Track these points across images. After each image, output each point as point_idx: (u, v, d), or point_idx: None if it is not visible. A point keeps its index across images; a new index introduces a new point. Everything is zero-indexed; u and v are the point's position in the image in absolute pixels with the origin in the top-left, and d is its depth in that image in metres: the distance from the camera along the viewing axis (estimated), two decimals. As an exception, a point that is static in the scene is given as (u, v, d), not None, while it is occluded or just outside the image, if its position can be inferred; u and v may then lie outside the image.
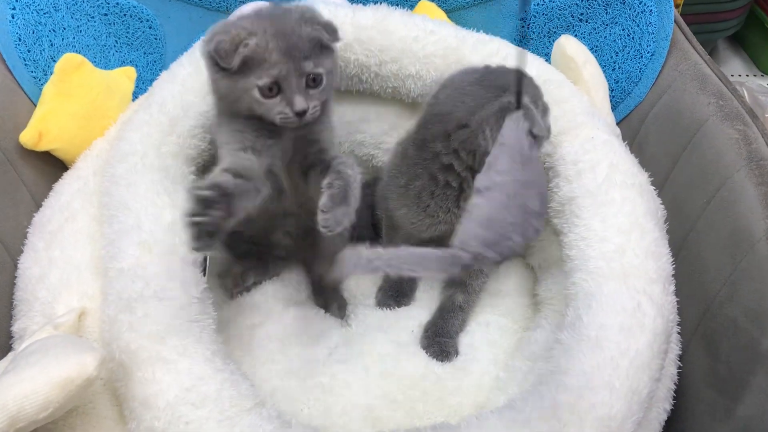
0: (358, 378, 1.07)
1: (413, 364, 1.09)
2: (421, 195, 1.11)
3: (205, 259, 1.04)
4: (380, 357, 1.10)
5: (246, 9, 1.32)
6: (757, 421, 0.94)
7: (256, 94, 0.92)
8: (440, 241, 1.15)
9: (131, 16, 1.38)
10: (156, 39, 1.42)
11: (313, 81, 0.95)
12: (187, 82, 1.17)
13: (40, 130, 1.17)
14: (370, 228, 1.35)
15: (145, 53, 1.42)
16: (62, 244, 1.07)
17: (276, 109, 0.93)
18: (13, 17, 1.22)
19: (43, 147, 1.18)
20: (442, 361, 1.11)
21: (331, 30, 0.97)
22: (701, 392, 1.05)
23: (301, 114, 0.93)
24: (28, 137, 1.16)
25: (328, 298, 1.24)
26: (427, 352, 1.12)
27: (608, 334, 0.93)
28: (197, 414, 0.84)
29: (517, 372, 1.06)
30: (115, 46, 1.38)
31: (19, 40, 1.23)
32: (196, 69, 1.18)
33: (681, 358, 1.08)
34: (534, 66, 1.22)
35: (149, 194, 1.05)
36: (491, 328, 1.16)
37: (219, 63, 0.92)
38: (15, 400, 0.78)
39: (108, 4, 1.35)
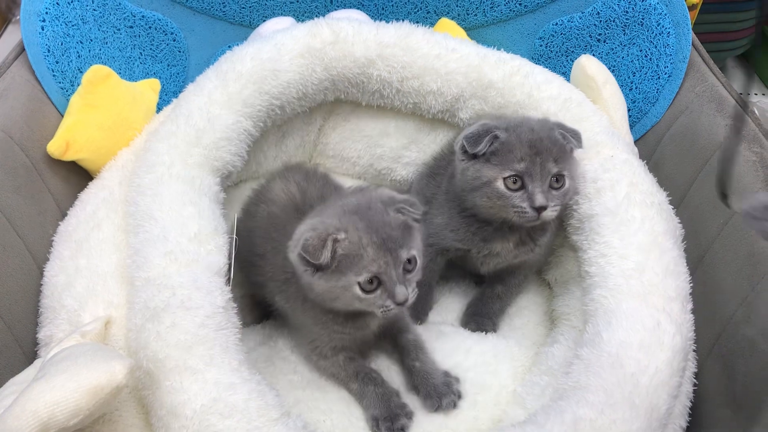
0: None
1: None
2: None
3: (229, 269, 1.06)
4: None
5: (269, 26, 1.35)
6: (774, 440, 0.95)
7: (357, 290, 0.92)
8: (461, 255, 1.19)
9: (156, 29, 1.40)
10: (180, 52, 1.44)
11: (409, 263, 0.95)
12: (213, 94, 1.19)
13: (67, 140, 1.19)
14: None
15: (168, 65, 1.44)
16: (88, 253, 1.09)
17: (377, 303, 0.93)
18: (42, 29, 1.25)
19: (69, 157, 1.20)
20: (479, 332, 1.19)
21: (415, 206, 0.97)
22: (717, 411, 1.06)
23: (403, 303, 0.93)
24: (55, 147, 1.18)
25: None
26: (465, 327, 1.20)
27: (628, 351, 0.94)
28: (225, 424, 0.85)
29: (535, 387, 1.06)
30: (139, 57, 1.40)
31: (48, 51, 1.25)
32: (222, 82, 1.20)
33: (696, 376, 1.08)
34: (555, 85, 1.24)
35: (175, 205, 1.07)
36: (510, 342, 1.17)
37: (310, 261, 0.91)
38: (46, 407, 0.79)
39: (134, 17, 1.37)
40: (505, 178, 1.05)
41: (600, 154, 1.16)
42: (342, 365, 1.07)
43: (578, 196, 1.14)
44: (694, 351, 1.10)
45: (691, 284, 1.07)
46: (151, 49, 1.41)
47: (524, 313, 1.27)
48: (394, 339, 1.11)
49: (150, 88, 1.34)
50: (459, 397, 1.06)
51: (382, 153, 1.41)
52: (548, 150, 1.04)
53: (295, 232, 0.95)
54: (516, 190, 1.05)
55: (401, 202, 0.96)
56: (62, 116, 1.25)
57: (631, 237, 1.06)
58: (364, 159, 1.42)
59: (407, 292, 0.93)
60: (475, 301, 1.25)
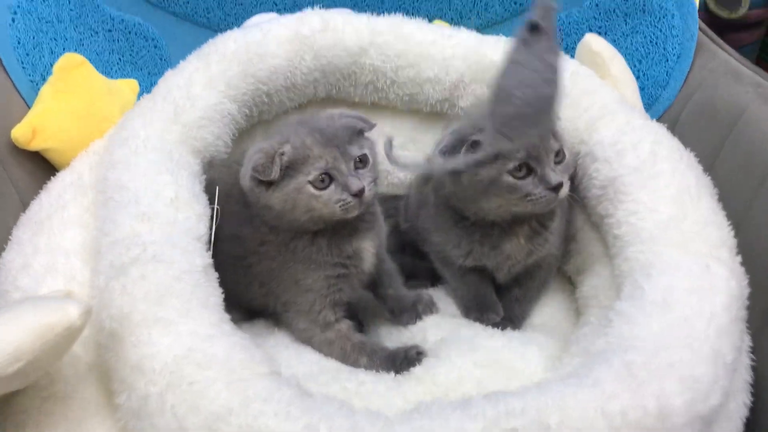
0: (387, 386, 0.91)
1: (447, 368, 0.94)
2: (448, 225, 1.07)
3: (210, 238, 0.93)
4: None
5: (255, 20, 1.29)
6: None
7: (311, 189, 0.90)
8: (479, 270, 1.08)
9: (136, 34, 1.34)
10: (161, 59, 1.37)
11: (361, 162, 0.94)
12: (194, 76, 1.11)
13: (35, 127, 1.09)
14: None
15: (149, 73, 1.36)
16: (50, 232, 0.97)
17: (333, 198, 0.91)
18: (13, 21, 1.18)
19: (35, 145, 1.10)
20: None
21: (364, 119, 0.99)
22: (782, 384, 0.91)
23: (359, 194, 0.91)
24: (20, 133, 1.08)
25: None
26: None
27: (676, 295, 0.81)
28: (203, 375, 0.70)
29: (567, 366, 0.90)
30: (118, 63, 1.32)
31: (18, 43, 1.17)
32: (204, 64, 1.12)
33: (753, 351, 0.94)
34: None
35: (149, 173, 0.96)
36: (536, 333, 1.04)
37: (261, 179, 0.91)
38: (-18, 350, 0.64)
39: (113, 20, 1.31)
40: (509, 171, 0.94)
41: (615, 120, 1.06)
42: (347, 335, 0.99)
43: (597, 163, 1.03)
44: (746, 325, 0.96)
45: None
46: (130, 54, 1.34)
47: (545, 310, 1.14)
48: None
49: (128, 87, 1.25)
50: (419, 317, 1.06)
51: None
52: None
53: (245, 157, 0.94)
54: (524, 178, 0.94)
55: (348, 114, 0.98)
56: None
57: (661, 190, 0.95)
58: (359, 162, 1.32)
59: (361, 183, 0.91)
60: None
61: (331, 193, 0.91)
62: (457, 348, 0.97)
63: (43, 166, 1.13)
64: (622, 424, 0.68)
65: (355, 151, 0.93)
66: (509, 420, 0.67)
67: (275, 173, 0.89)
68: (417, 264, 1.20)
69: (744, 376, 0.90)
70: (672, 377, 0.72)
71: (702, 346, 0.75)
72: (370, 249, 1.01)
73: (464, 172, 0.96)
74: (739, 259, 0.91)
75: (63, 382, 0.79)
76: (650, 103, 1.29)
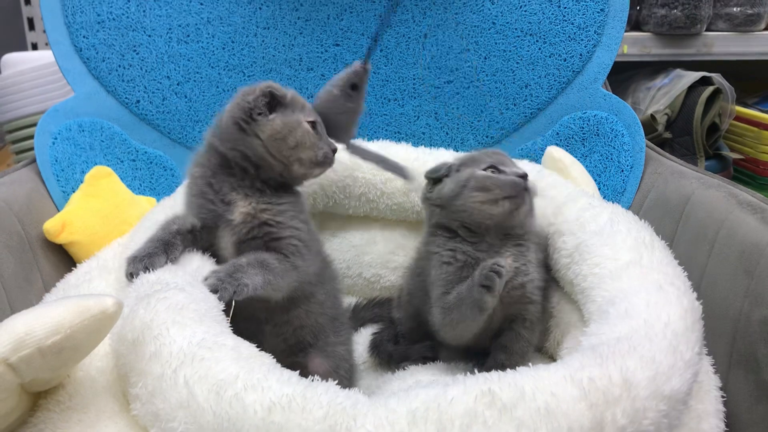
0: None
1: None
2: None
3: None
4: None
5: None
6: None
7: (308, 126, 1.05)
8: None
9: (156, 164, 1.52)
10: (176, 185, 1.53)
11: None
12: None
13: (64, 221, 1.23)
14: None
15: (165, 197, 1.52)
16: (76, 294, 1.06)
17: (320, 143, 1.07)
18: (53, 144, 1.37)
19: (63, 238, 1.23)
20: None
21: None
22: (754, 412, 0.97)
23: (334, 151, 1.10)
24: (51, 224, 1.22)
25: None
26: None
27: (637, 309, 0.91)
28: (213, 355, 0.78)
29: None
30: (139, 187, 1.49)
31: (56, 160, 1.35)
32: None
33: (724, 389, 1.01)
34: (528, 163, 1.35)
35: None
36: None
37: (276, 93, 1.04)
38: (25, 323, 0.74)
39: (137, 152, 1.50)
40: (484, 168, 1.11)
41: (577, 204, 1.21)
42: None
43: (564, 237, 1.16)
44: (713, 366, 1.04)
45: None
46: (150, 181, 1.51)
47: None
48: None
49: (147, 201, 1.41)
50: None
51: (370, 260, 1.44)
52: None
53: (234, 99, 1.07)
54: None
55: None
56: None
57: (620, 244, 1.07)
58: (353, 269, 1.44)
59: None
60: None
61: (319, 137, 1.07)
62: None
63: (65, 261, 1.26)
64: (590, 388, 0.74)
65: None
66: (486, 383, 0.75)
67: (290, 96, 1.04)
68: (409, 348, 1.28)
69: (715, 405, 0.97)
70: (633, 357, 0.80)
71: (661, 341, 0.84)
72: None
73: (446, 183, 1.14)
74: (695, 295, 1.01)
75: (81, 397, 0.85)
76: (611, 208, 1.45)
